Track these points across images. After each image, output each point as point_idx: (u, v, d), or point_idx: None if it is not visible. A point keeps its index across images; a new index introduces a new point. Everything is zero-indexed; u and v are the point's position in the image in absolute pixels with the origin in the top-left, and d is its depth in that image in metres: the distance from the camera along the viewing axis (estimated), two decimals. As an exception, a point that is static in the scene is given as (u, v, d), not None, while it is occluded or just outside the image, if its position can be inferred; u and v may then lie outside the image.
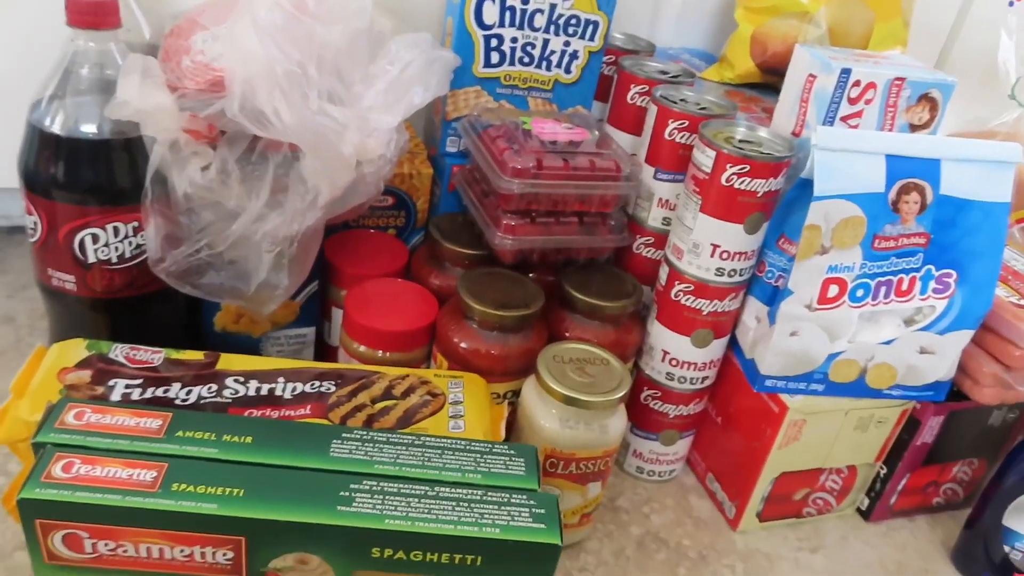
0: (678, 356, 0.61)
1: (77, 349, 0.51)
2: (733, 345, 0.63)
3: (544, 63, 0.67)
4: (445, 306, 0.60)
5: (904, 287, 0.58)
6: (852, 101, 0.56)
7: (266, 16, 0.46)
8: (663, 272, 0.61)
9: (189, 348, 0.53)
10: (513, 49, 0.66)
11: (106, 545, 0.40)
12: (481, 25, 0.64)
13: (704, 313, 0.59)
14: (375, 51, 0.51)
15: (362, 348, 0.59)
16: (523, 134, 0.61)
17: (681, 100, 0.62)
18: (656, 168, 0.62)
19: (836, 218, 0.54)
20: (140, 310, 0.57)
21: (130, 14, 0.61)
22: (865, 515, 0.68)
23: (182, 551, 0.40)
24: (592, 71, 0.69)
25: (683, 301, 0.59)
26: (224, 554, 0.40)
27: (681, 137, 0.60)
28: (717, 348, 0.61)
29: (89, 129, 0.51)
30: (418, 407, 0.52)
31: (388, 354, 0.59)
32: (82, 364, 0.51)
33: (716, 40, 0.90)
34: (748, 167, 0.54)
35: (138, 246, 0.54)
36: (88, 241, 0.53)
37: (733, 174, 0.54)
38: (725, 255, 0.57)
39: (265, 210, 0.53)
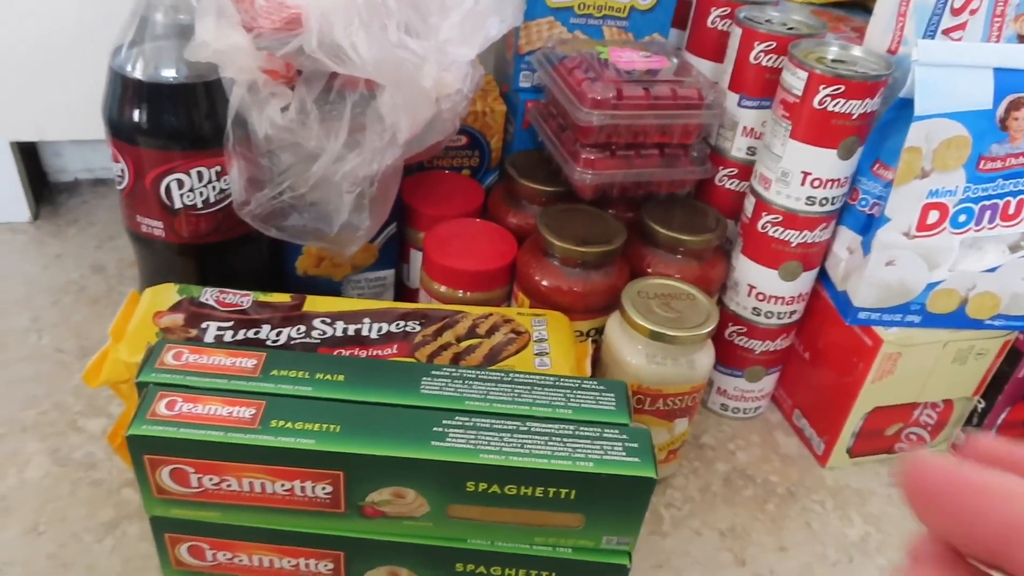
0: (765, 290, 0.59)
1: (169, 293, 0.52)
2: (823, 277, 0.60)
3: (620, -11, 0.65)
4: (525, 244, 0.59)
5: (1011, 211, 0.55)
6: (955, 12, 0.53)
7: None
8: (749, 203, 0.59)
9: (274, 292, 0.53)
10: (587, -25, 0.63)
11: (211, 480, 0.41)
12: (554, -48, 0.62)
13: (793, 245, 0.57)
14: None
15: (443, 288, 0.59)
16: (600, 64, 0.59)
17: (767, 21, 0.59)
18: (741, 95, 0.59)
19: (938, 139, 0.51)
20: (226, 255, 0.58)
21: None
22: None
23: (283, 485, 0.41)
24: (669, -4, 0.66)
25: (771, 233, 0.57)
26: (323, 488, 0.41)
27: (768, 60, 0.57)
28: (806, 281, 0.59)
29: (169, 73, 0.51)
30: (503, 345, 0.51)
31: (469, 294, 0.59)
32: (175, 308, 0.52)
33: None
34: (843, 87, 0.51)
35: (222, 191, 0.55)
36: (174, 187, 0.53)
37: (827, 96, 0.51)
38: (816, 183, 0.54)
39: (344, 150, 0.52)
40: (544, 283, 0.56)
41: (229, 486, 0.41)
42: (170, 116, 0.51)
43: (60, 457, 0.56)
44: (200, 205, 0.54)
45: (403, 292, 0.68)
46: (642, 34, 0.67)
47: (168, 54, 0.51)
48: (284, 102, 0.51)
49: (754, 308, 0.60)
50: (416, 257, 0.66)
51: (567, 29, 0.65)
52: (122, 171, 0.54)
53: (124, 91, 0.51)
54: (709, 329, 0.51)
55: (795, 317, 0.61)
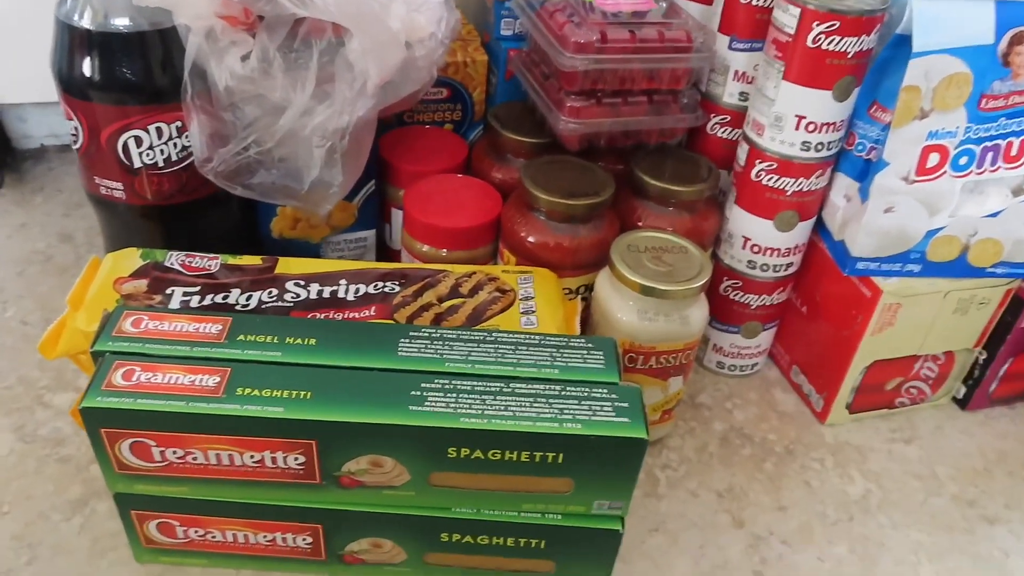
0: (760, 242, 0.57)
1: (131, 259, 0.50)
2: (819, 228, 0.58)
3: (602, -72, 0.61)
4: (510, 199, 0.56)
5: (1014, 152, 0.52)
6: (958, -59, 0.50)
7: None
8: (742, 151, 0.56)
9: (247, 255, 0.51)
10: (568, -86, 0.60)
11: (174, 453, 0.39)
12: None
13: (788, 193, 0.54)
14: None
15: (425, 248, 0.56)
16: (584, 7, 0.56)
17: (758, -43, 0.56)
18: (731, 37, 0.56)
19: (938, 76, 0.49)
20: (193, 216, 0.55)
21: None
22: (962, 404, 0.63)
23: (252, 456, 0.39)
24: (657, -66, 0.62)
25: (765, 181, 0.54)
26: (295, 458, 0.39)
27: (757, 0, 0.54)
28: (802, 232, 0.57)
29: (120, 21, 0.48)
30: (487, 304, 0.49)
31: (452, 252, 0.56)
32: (137, 273, 0.49)
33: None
34: (837, 23, 0.48)
35: (184, 147, 0.51)
36: (132, 144, 0.50)
37: (820, 33, 0.48)
38: (812, 127, 0.52)
39: (312, 102, 0.49)
40: (530, 239, 0.54)
41: (195, 459, 0.39)
42: (123, 68, 0.48)
43: (25, 433, 0.53)
44: (161, 164, 0.51)
45: (386, 253, 0.65)
46: (627, -24, 0.64)
47: (118, 0, 0.48)
48: (245, 50, 0.48)
49: (749, 261, 0.58)
50: (398, 216, 0.63)
51: (548, -28, 0.62)
52: (76, 129, 0.51)
53: (72, 42, 0.48)
54: (702, 282, 0.49)
55: (792, 270, 0.59)
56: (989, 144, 0.51)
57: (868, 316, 0.54)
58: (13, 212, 0.73)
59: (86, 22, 0.47)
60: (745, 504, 0.54)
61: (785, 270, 0.58)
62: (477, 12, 0.71)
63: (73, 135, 0.51)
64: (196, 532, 0.43)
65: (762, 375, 0.65)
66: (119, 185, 0.52)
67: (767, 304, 0.60)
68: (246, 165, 0.50)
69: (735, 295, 0.59)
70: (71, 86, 0.49)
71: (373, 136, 0.53)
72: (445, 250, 0.56)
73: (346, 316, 0.47)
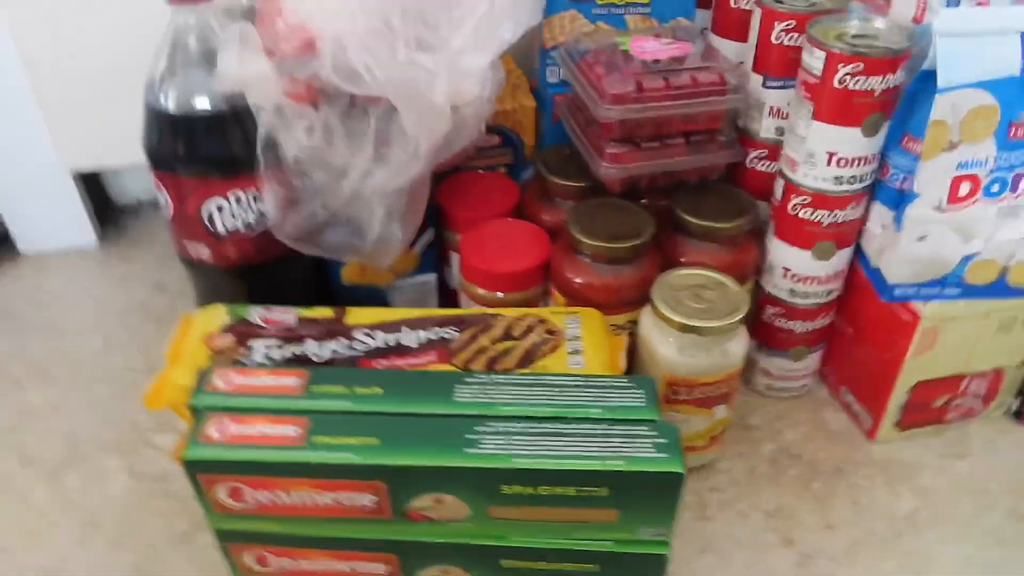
0: (800, 271, 0.59)
1: (219, 314, 0.55)
2: (860, 253, 0.60)
3: (638, -25, 0.64)
4: (557, 242, 0.60)
5: (1048, 176, 0.53)
6: (980, -24, 0.51)
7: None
8: (778, 186, 0.58)
9: (321, 304, 0.56)
10: (605, -34, 0.63)
11: (263, 495, 0.44)
12: (569, -54, 0.62)
13: (824, 225, 0.56)
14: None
15: (480, 290, 0.60)
16: (621, 56, 0.59)
17: (787, -1, 0.58)
18: (765, 76, 0.59)
19: (964, 109, 0.50)
20: (273, 273, 0.61)
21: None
22: (1017, 416, 0.64)
23: (331, 497, 0.44)
24: (692, -23, 0.65)
25: (801, 215, 0.57)
26: (368, 498, 0.44)
27: (790, 39, 0.57)
28: (841, 259, 0.59)
29: (200, 104, 0.54)
30: (538, 346, 0.53)
31: (506, 295, 0.60)
32: (225, 329, 0.55)
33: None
34: (862, 65, 0.50)
35: (261, 213, 0.57)
36: (215, 212, 0.56)
37: (846, 74, 0.51)
38: (843, 162, 0.54)
39: (371, 165, 0.54)
40: (576, 280, 0.57)
41: (281, 500, 0.44)
42: (205, 145, 0.54)
43: (136, 472, 0.60)
44: (242, 228, 0.57)
45: (447, 294, 0.70)
46: (667, 18, 0.67)
47: (198, 84, 0.53)
48: (310, 123, 0.53)
49: (791, 290, 0.60)
50: (456, 260, 0.67)
51: (589, 20, 0.66)
52: (165, 199, 0.57)
53: (159, 124, 0.54)
54: (739, 318, 0.52)
55: (833, 296, 0.61)
56: (1021, 170, 0.53)
57: (908, 340, 0.56)
58: (116, 266, 0.81)
59: (170, 106, 0.54)
60: (793, 523, 0.56)
61: (826, 296, 0.60)
62: (525, 58, 0.75)
63: (164, 204, 0.57)
64: (286, 561, 0.49)
65: (812, 395, 0.67)
66: (206, 248, 0.58)
67: (812, 329, 0.62)
68: (315, 227, 0.55)
69: (780, 322, 0.62)
70: (159, 162, 0.55)
71: (428, 190, 0.58)
72: (499, 293, 0.60)
73: (409, 362, 0.52)
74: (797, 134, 0.55)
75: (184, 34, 0.53)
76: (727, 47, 0.64)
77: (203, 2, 0.53)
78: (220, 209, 0.56)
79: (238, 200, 0.56)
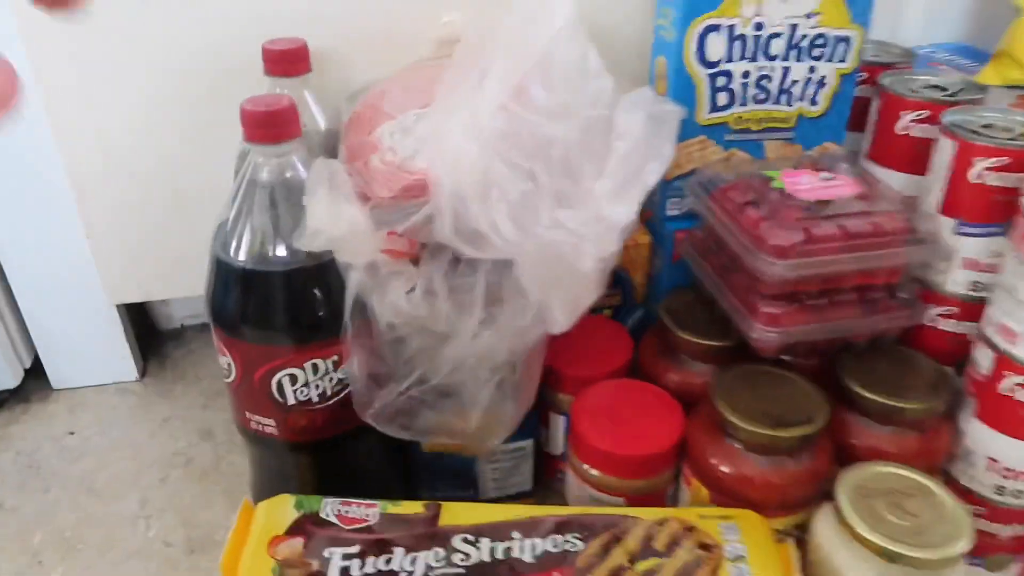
0: (1014, 465, 0.47)
1: (285, 509, 0.45)
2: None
3: (784, 97, 0.55)
4: (695, 417, 0.49)
5: None
6: None
7: (487, 123, 0.36)
8: (983, 357, 0.47)
9: (397, 475, 0.45)
10: (745, 86, 0.54)
11: None
12: (705, 63, 0.53)
13: (1049, 410, 0.45)
14: (609, 137, 0.41)
15: (593, 471, 0.49)
16: (774, 192, 0.49)
17: (985, 127, 0.48)
18: (957, 220, 0.48)
19: None
20: (346, 448, 0.50)
21: (301, 102, 0.54)
22: None
23: None
24: (844, 98, 0.55)
25: (1019, 397, 0.45)
26: None
27: (994, 179, 0.46)
28: (1063, 449, 0.47)
29: (277, 257, 0.44)
30: (691, 569, 0.41)
31: (628, 481, 0.49)
32: (293, 530, 0.44)
33: (972, 29, 0.73)
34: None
35: (339, 380, 0.47)
36: (286, 382, 0.46)
37: (1093, 233, 0.40)
38: (1081, 337, 0.42)
39: (479, 328, 0.44)
40: (726, 470, 0.46)
41: None
42: (280, 307, 0.44)
43: None
44: (316, 399, 0.47)
45: (543, 460, 0.59)
46: (811, 144, 0.57)
47: (274, 234, 0.44)
48: (409, 283, 0.43)
49: (997, 486, 0.48)
50: (557, 422, 0.56)
51: (722, 147, 0.56)
52: (228, 365, 0.47)
53: (226, 278, 0.45)
54: (966, 546, 0.39)
55: (1047, 492, 0.48)
56: None
57: None
58: (156, 405, 0.71)
59: (241, 257, 0.44)
60: None
61: (1042, 495, 0.48)
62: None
63: (226, 370, 0.47)
64: None
65: (1008, 608, 0.53)
66: (271, 421, 0.48)
67: (1022, 535, 0.49)
68: (409, 406, 0.45)
69: (979, 523, 0.49)
70: (224, 323, 0.45)
71: (544, 357, 0.47)
72: (621, 479, 0.48)
73: (528, 588, 0.40)
74: (1017, 298, 0.44)
75: (260, 174, 0.44)
76: (889, 178, 0.54)
77: (286, 140, 0.43)
78: (293, 379, 0.46)
79: (315, 368, 0.46)
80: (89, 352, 0.71)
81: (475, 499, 0.57)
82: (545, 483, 0.59)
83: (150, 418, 0.70)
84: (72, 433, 0.68)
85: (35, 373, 0.72)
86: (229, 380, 0.48)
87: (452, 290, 0.44)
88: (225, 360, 0.47)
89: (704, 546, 0.42)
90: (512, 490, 0.58)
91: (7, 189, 0.63)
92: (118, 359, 0.73)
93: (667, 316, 0.54)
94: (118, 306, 0.70)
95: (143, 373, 0.75)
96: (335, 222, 0.41)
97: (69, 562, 0.57)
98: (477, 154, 0.36)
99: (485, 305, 0.44)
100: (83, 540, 0.58)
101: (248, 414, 0.48)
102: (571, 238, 0.39)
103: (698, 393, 0.51)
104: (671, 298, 0.56)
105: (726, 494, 0.46)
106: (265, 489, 0.53)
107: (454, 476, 0.56)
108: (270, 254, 0.44)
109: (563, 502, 0.56)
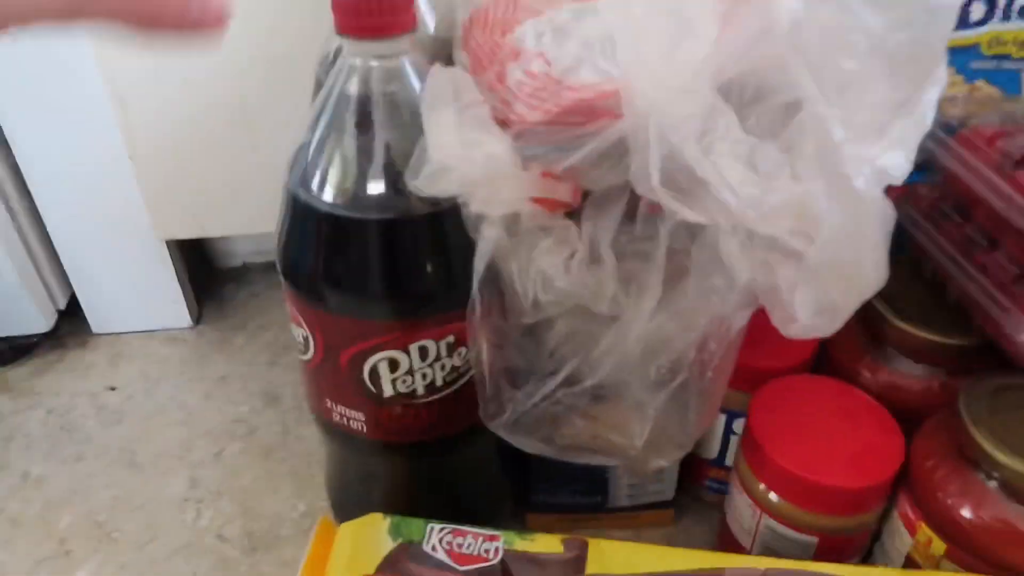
0: None
1: (377, 534, 0.34)
2: None
3: (1061, 8, 0.40)
4: (924, 438, 0.36)
5: None
6: None
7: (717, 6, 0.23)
8: None
9: (511, 486, 0.34)
10: (1010, -7, 0.39)
11: None
12: (962, -46, 0.38)
13: None
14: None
15: (781, 501, 0.37)
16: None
17: None
18: None
19: None
20: (453, 453, 0.38)
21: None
22: None
23: None
24: None
25: None
26: None
27: None
28: None
29: (378, 200, 0.31)
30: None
31: (831, 517, 0.36)
32: (387, 565, 0.33)
33: None
34: None
35: (453, 369, 0.35)
36: (383, 368, 0.34)
37: None
38: None
39: (656, 311, 0.31)
40: (976, 518, 0.33)
41: None
42: (379, 268, 0.32)
43: None
44: (421, 392, 0.35)
45: (691, 468, 0.46)
46: (1084, 75, 0.42)
47: (376, 167, 0.32)
48: (567, 247, 0.30)
49: None
50: (716, 420, 0.44)
51: (964, 78, 0.41)
52: (305, 339, 0.35)
53: (305, 225, 0.33)
54: None
55: None
56: None
57: None
58: (212, 360, 0.61)
59: (328, 198, 0.32)
60: None
61: None
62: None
63: (302, 345, 0.36)
64: None
65: None
66: (359, 415, 0.36)
67: None
68: (551, 414, 0.33)
69: None
70: (301, 283, 0.34)
71: (736, 356, 0.34)
72: (816, 513, 0.36)
73: None
74: None
75: (358, 84, 0.31)
76: None
77: (395, 34, 0.31)
78: (393, 364, 0.34)
79: (423, 352, 0.34)
80: (134, 291, 0.61)
81: (603, 507, 0.45)
82: (690, 491, 0.47)
83: (205, 375, 0.59)
84: (113, 389, 0.58)
85: (71, 315, 0.62)
86: (306, 358, 0.36)
87: (621, 257, 0.31)
88: (301, 332, 0.35)
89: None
90: (649, 499, 0.46)
91: (36, 97, 0.51)
92: (168, 301, 0.62)
93: (881, 302, 0.41)
94: (170, 246, 0.59)
95: (198, 319, 0.64)
96: (468, 156, 0.28)
97: (101, 554, 0.47)
98: (708, 56, 0.23)
99: (666, 279, 0.31)
100: (119, 527, 0.48)
101: (329, 402, 0.36)
102: (875, 192, 0.25)
103: (913, 403, 0.39)
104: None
105: (972, 551, 0.34)
106: (345, 494, 0.43)
107: (580, 480, 0.44)
108: (368, 194, 0.32)
109: (714, 519, 0.44)
